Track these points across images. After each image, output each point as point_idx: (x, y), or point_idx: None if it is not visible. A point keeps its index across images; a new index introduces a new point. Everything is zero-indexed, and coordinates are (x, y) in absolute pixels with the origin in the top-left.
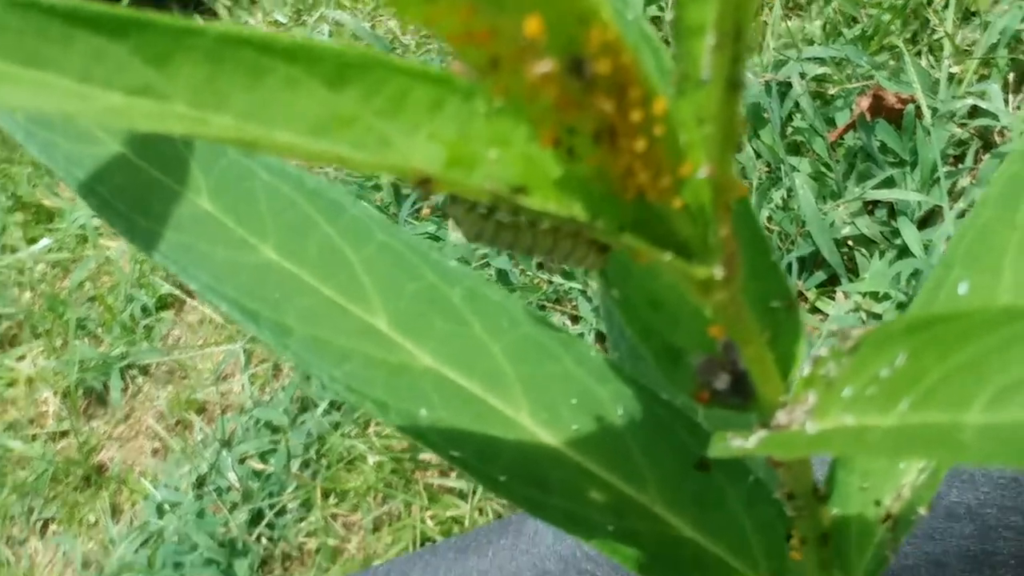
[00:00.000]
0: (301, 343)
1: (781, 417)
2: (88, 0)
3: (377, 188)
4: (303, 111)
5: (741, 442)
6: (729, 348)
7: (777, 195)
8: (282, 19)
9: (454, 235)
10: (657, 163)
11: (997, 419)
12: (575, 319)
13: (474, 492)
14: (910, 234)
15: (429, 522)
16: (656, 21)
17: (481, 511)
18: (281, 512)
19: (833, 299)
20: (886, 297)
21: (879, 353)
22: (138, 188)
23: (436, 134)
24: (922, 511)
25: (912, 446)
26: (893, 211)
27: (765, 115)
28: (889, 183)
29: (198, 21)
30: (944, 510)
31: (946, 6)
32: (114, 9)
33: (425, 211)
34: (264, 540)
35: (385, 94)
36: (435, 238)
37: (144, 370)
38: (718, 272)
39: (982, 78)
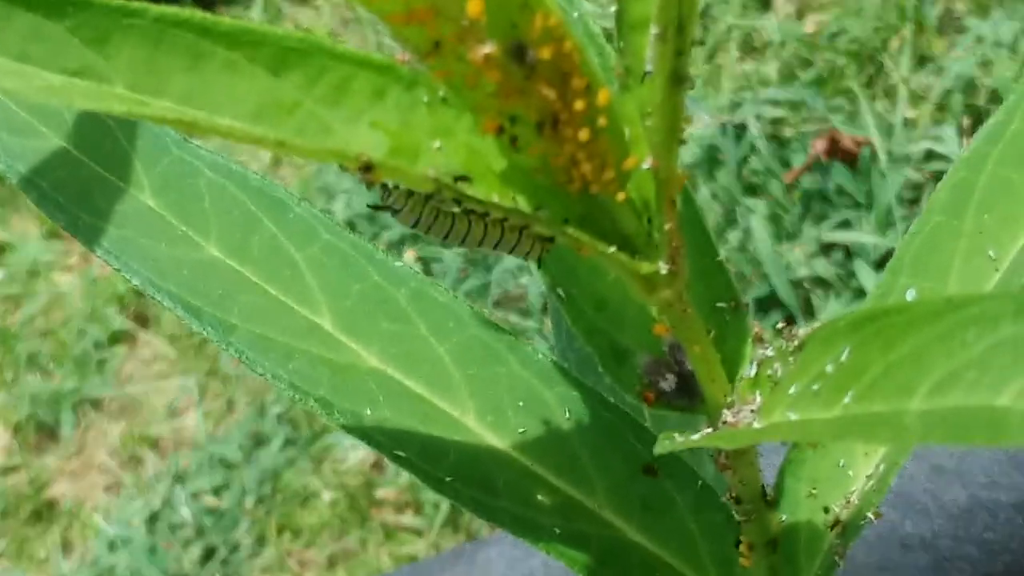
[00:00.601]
0: (244, 340)
1: (728, 416)
2: None
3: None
4: (244, 96)
5: (686, 437)
6: (675, 348)
7: (733, 236)
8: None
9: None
10: (601, 155)
11: (939, 405)
12: None
13: (431, 529)
14: (866, 276)
15: (385, 558)
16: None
17: (437, 548)
18: (235, 548)
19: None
20: None
21: (824, 350)
22: (80, 183)
23: (378, 122)
24: (871, 516)
25: (853, 432)
26: (849, 253)
27: (721, 157)
28: (845, 225)
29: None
30: (899, 541)
31: (901, 51)
32: None
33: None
34: None
35: (327, 81)
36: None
37: (96, 405)
38: (663, 267)
39: (937, 122)
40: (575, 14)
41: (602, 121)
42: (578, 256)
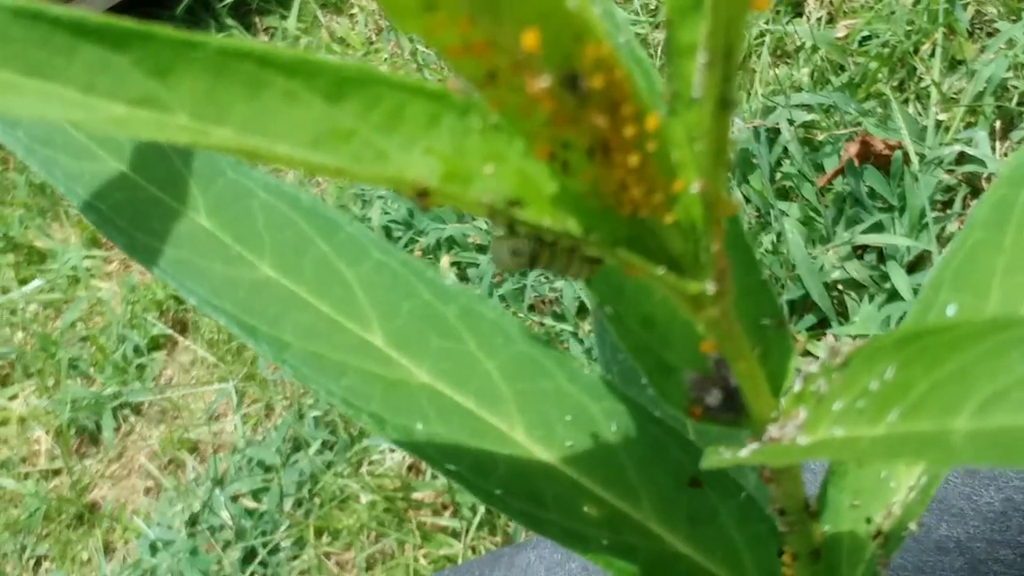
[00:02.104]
0: (298, 357)
1: (773, 431)
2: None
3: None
4: (302, 124)
5: (733, 453)
6: (721, 364)
7: (767, 240)
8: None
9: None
10: (650, 179)
11: (986, 425)
12: None
13: (467, 531)
14: (899, 278)
15: (422, 560)
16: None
17: (474, 550)
18: (274, 551)
19: (823, 342)
20: None
21: (868, 367)
22: (137, 205)
23: (432, 148)
24: (912, 527)
25: (901, 451)
26: (882, 255)
27: (754, 161)
28: (878, 228)
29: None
30: (934, 544)
31: (932, 55)
32: (117, 21)
33: (417, 252)
34: None
35: (382, 109)
36: None
37: (136, 409)
38: (710, 287)
39: (969, 125)
40: (622, 39)
41: (651, 146)
42: (625, 275)
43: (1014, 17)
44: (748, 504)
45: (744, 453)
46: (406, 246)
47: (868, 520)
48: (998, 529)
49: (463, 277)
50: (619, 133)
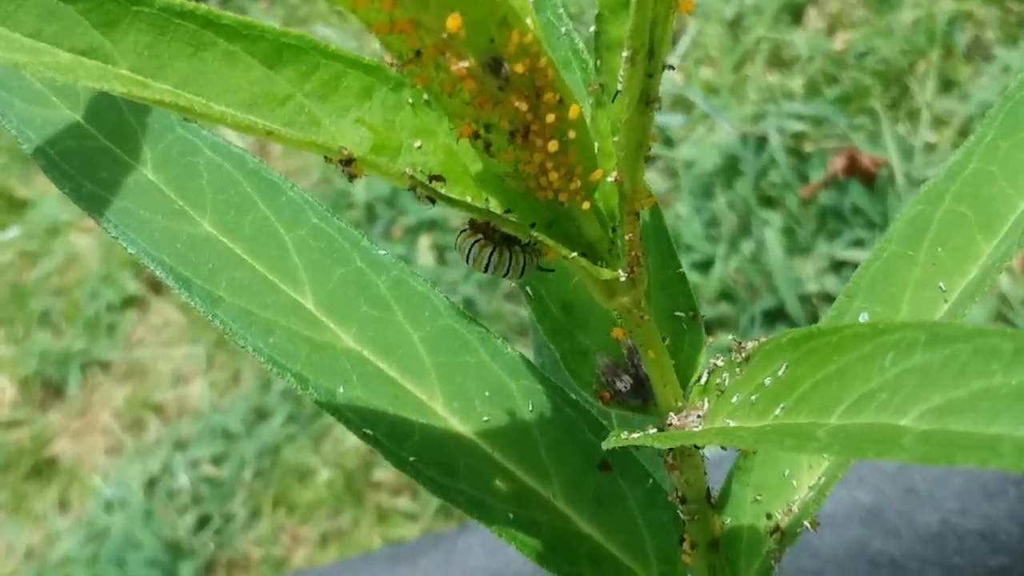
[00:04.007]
0: (230, 313)
1: (675, 420)
2: None
3: (351, 206)
4: (240, 85)
5: (630, 435)
6: (633, 352)
7: (747, 247)
8: None
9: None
10: (569, 166)
11: (852, 422)
12: None
13: (424, 514)
14: None
15: (377, 540)
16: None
17: (429, 532)
18: (230, 519)
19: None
20: None
21: (766, 364)
22: (87, 153)
23: (364, 119)
24: (807, 524)
25: (777, 444)
26: None
27: (740, 167)
28: (859, 243)
29: None
30: (868, 558)
31: (927, 75)
32: None
33: (397, 232)
34: (211, 545)
35: (319, 77)
36: (405, 259)
37: (104, 367)
38: (622, 274)
39: (957, 148)
40: (562, 29)
41: (572, 134)
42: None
43: (1012, 43)
44: (654, 491)
45: (637, 435)
46: (388, 225)
47: (768, 516)
48: (932, 550)
49: (441, 260)
50: (540, 119)
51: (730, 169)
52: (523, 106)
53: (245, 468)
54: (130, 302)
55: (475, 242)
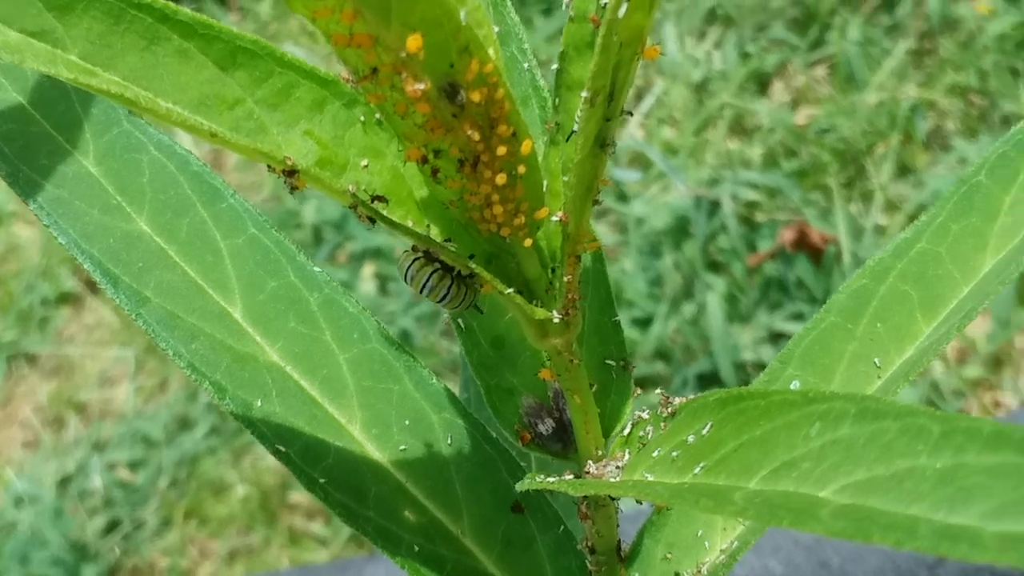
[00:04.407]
0: (155, 314)
1: (592, 468)
2: None
3: (298, 227)
4: (190, 84)
5: (545, 478)
6: (559, 396)
7: (688, 309)
8: None
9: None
10: (515, 201)
11: (771, 489)
12: None
13: (335, 540)
14: None
15: (286, 561)
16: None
17: (338, 559)
18: (140, 526)
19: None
20: None
21: (691, 421)
22: (29, 138)
23: (313, 132)
24: None
25: (692, 503)
26: None
27: (691, 229)
28: (799, 317)
29: None
30: None
31: (885, 158)
32: None
33: (342, 256)
34: (117, 550)
35: (272, 85)
36: (346, 285)
37: (31, 360)
38: (556, 315)
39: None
40: (525, 65)
41: (521, 169)
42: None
43: (971, 136)
44: (564, 538)
45: (553, 480)
46: (333, 248)
47: (676, 575)
48: None
49: (383, 290)
50: (491, 150)
51: (680, 230)
52: (475, 135)
53: (161, 476)
54: (65, 299)
55: (416, 260)
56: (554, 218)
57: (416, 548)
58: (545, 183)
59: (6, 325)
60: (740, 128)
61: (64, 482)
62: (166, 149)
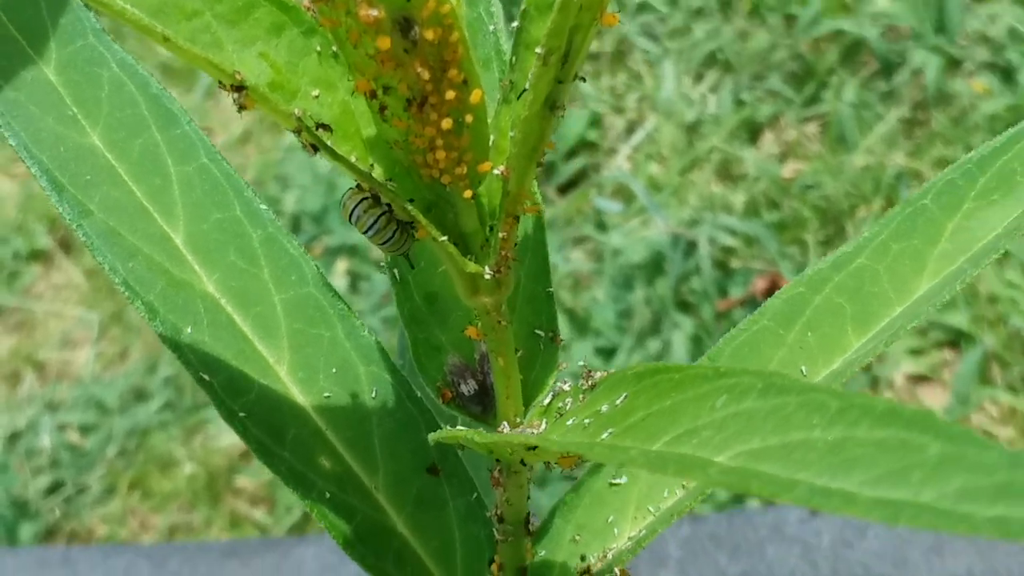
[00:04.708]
0: (96, 228)
1: (507, 431)
2: None
3: (277, 215)
4: None
5: (452, 429)
6: (484, 359)
7: (653, 345)
8: None
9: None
10: (460, 150)
11: (669, 451)
12: None
13: (276, 528)
14: None
15: None
16: None
17: None
18: (82, 490)
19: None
20: None
21: (608, 393)
22: None
23: (268, 55)
24: (617, 572)
25: (589, 454)
26: None
27: (665, 266)
28: None
29: None
30: None
31: (865, 222)
32: None
33: (317, 249)
34: (57, 511)
35: (232, 1)
36: None
37: None
38: (488, 272)
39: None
40: (491, 27)
41: (468, 118)
42: (423, 247)
43: None
44: (476, 506)
45: (463, 430)
46: (309, 240)
47: (583, 558)
48: None
49: (354, 288)
50: (440, 93)
51: (655, 266)
52: (425, 74)
53: (111, 444)
54: (37, 256)
55: (363, 200)
56: (496, 171)
57: (328, 495)
58: (492, 139)
59: None
60: (726, 173)
61: (13, 438)
62: (128, 68)
